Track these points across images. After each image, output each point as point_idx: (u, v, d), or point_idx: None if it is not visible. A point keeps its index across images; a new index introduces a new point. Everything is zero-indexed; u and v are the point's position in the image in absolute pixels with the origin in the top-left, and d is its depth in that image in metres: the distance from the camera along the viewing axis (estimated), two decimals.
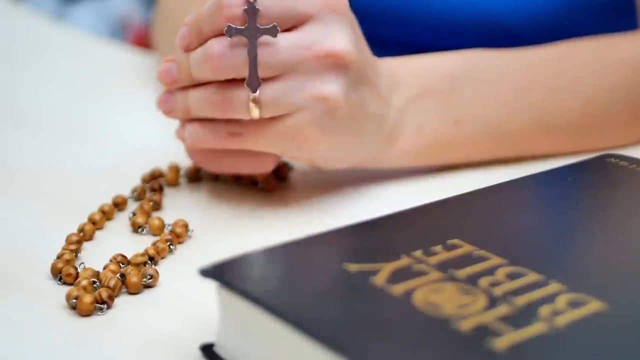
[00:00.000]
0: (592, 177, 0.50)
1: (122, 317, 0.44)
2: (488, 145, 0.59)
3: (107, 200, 0.55)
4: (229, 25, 0.49)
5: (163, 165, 0.60)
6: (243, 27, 0.49)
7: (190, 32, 0.51)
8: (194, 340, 0.41)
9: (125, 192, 0.57)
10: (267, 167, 0.54)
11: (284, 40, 0.49)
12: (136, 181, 0.59)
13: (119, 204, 0.56)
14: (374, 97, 0.53)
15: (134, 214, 0.53)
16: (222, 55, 0.49)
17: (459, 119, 0.57)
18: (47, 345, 0.42)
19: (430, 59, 0.58)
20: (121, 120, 0.72)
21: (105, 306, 0.44)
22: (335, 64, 0.50)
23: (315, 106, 0.50)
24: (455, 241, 0.41)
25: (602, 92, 0.60)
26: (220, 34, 0.50)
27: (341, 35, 0.50)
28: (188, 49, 0.52)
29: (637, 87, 0.60)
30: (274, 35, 0.49)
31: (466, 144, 0.58)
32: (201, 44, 0.51)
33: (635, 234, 0.44)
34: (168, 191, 0.58)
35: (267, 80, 0.49)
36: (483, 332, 0.34)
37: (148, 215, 0.54)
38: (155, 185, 0.57)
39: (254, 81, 0.49)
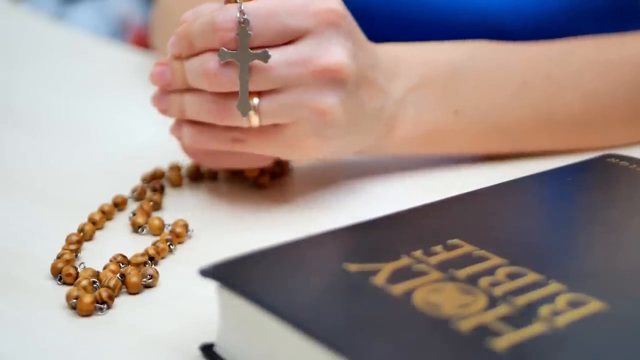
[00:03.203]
0: (592, 177, 0.50)
1: (122, 317, 0.44)
2: (486, 136, 0.59)
3: (107, 200, 0.55)
4: (222, 49, 0.49)
5: (163, 165, 0.60)
6: (235, 51, 0.49)
7: (180, 42, 0.52)
8: (194, 340, 0.41)
9: (125, 192, 0.57)
10: (264, 162, 0.55)
11: (280, 56, 0.49)
12: (136, 181, 0.59)
13: (119, 204, 0.56)
14: (372, 93, 0.53)
15: (134, 214, 0.53)
16: (217, 74, 0.49)
17: (458, 109, 0.57)
18: (47, 345, 0.42)
19: (432, 48, 0.58)
20: (121, 120, 0.72)
21: (105, 306, 0.44)
22: (332, 79, 0.50)
23: (313, 119, 0.50)
24: (455, 241, 0.41)
25: (604, 87, 0.60)
26: (213, 49, 0.50)
27: (337, 49, 0.50)
28: (180, 57, 0.52)
29: (639, 85, 0.60)
30: (265, 61, 0.49)
31: (464, 134, 0.58)
32: (194, 54, 0.51)
33: (635, 234, 0.44)
34: (168, 191, 0.58)
35: (266, 92, 0.50)
36: (483, 332, 0.34)
37: (148, 215, 0.54)
38: (156, 185, 0.57)
39: (244, 106, 0.49)
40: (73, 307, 0.44)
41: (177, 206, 0.56)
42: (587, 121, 0.60)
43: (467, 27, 0.72)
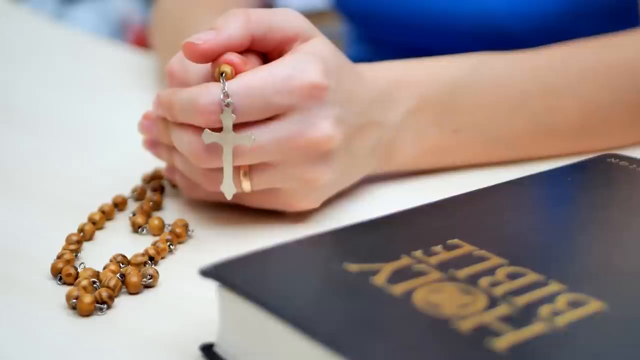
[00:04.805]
0: (592, 177, 0.50)
1: (122, 317, 0.44)
2: (486, 151, 0.59)
3: (107, 200, 0.55)
4: (206, 131, 0.48)
5: (163, 165, 0.60)
6: (219, 133, 0.48)
7: (164, 109, 0.51)
8: (194, 340, 0.41)
9: (125, 192, 0.57)
10: None
11: (264, 134, 0.48)
12: (136, 181, 0.59)
13: (119, 204, 0.56)
14: (365, 135, 0.53)
15: (134, 214, 0.53)
16: (202, 155, 0.49)
17: (457, 128, 0.57)
18: (47, 345, 0.42)
19: (430, 65, 0.58)
20: (121, 120, 0.72)
21: (105, 306, 0.44)
22: (319, 152, 0.49)
23: (305, 186, 0.51)
24: (455, 241, 0.41)
25: (603, 93, 0.60)
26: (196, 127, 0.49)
27: (321, 122, 0.49)
28: (166, 120, 0.52)
29: (637, 88, 0.60)
30: (249, 144, 0.48)
31: (464, 150, 0.58)
32: (178, 124, 0.50)
33: (635, 234, 0.44)
34: (168, 191, 0.58)
35: (255, 166, 0.50)
36: (483, 332, 0.34)
37: (148, 215, 0.54)
38: (156, 185, 0.57)
39: (228, 188, 0.49)
40: (73, 307, 0.44)
41: (177, 206, 0.56)
42: (587, 127, 0.60)
43: (468, 30, 0.72)
